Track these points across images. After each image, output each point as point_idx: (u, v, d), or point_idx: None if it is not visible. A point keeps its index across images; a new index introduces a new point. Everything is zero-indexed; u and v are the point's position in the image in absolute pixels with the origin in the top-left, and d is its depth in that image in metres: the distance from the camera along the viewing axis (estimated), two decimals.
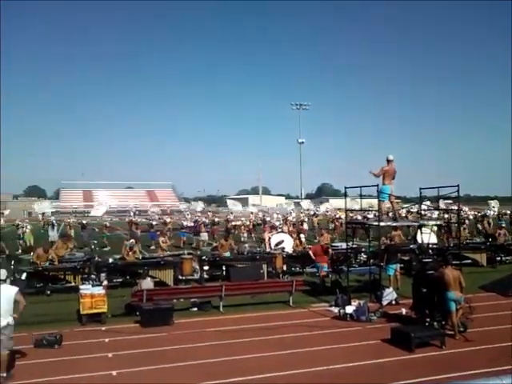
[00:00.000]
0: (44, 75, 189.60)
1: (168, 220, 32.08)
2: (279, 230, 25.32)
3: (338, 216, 36.20)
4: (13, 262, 15.15)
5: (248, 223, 32.61)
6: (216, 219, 34.70)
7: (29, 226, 27.45)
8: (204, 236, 27.19)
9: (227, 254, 17.34)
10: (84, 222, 26.49)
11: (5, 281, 8.30)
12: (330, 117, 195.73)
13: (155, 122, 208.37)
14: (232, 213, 40.07)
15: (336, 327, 10.57)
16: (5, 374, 7.70)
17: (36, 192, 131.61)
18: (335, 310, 11.80)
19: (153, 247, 23.84)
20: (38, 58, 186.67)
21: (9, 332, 7.79)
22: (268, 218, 37.23)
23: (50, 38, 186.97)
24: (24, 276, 14.26)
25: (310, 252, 15.86)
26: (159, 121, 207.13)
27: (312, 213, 40.00)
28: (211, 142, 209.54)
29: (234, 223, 32.64)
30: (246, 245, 20.99)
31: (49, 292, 14.39)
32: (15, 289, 8.16)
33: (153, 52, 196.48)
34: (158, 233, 22.96)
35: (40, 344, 9.25)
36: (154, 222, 33.27)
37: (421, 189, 14.13)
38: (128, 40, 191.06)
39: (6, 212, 32.50)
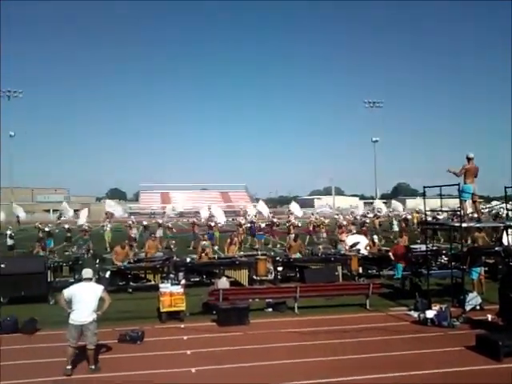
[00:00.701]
0: (122, 77, 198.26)
1: (243, 221, 32.24)
2: (354, 231, 24.78)
3: (404, 217, 34.92)
4: (97, 260, 15.96)
5: (325, 222, 32.02)
6: (275, 220, 34.00)
7: (108, 226, 29.26)
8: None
9: (297, 255, 17.27)
10: (145, 223, 27.66)
11: (91, 279, 8.72)
12: (405, 114, 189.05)
13: (230, 124, 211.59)
14: (292, 214, 39.32)
15: (416, 332, 10.17)
16: (93, 367, 8.15)
17: (117, 194, 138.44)
18: (415, 314, 11.35)
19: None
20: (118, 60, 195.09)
21: (93, 328, 8.23)
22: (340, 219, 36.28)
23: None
24: (108, 274, 14.99)
25: (390, 253, 15.42)
26: (234, 122, 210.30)
27: (373, 214, 38.02)
28: (285, 142, 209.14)
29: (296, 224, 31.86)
30: (320, 246, 20.78)
31: (131, 290, 15.04)
32: (101, 287, 8.60)
33: (228, 52, 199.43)
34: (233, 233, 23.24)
35: (123, 339, 9.68)
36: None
37: (506, 187, 13.28)
38: (195, 41, 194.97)
39: (83, 213, 34.42)
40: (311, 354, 8.81)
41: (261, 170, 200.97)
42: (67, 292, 8.24)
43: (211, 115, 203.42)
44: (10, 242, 23.58)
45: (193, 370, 8.12)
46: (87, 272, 8.68)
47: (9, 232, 24.51)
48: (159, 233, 25.96)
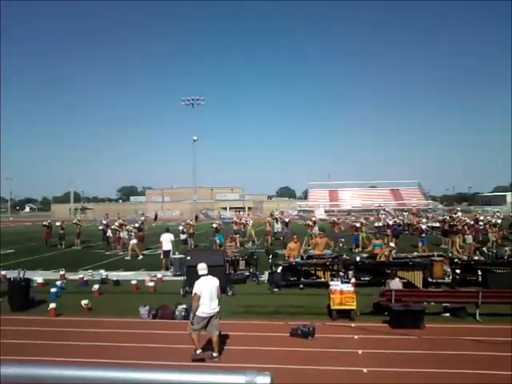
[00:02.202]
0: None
1: (415, 221, 30.50)
2: None
3: None
4: (271, 256, 16.67)
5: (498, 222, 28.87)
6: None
7: (251, 221, 31.11)
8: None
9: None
10: (286, 220, 28.49)
11: (206, 275, 9.00)
12: None
13: (402, 120, 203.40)
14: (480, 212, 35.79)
15: None
16: (215, 354, 8.52)
17: (287, 192, 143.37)
18: None
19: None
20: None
21: (217, 316, 8.70)
22: None
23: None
24: (279, 269, 15.57)
25: None
26: (403, 118, 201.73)
27: None
28: (460, 135, 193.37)
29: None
30: (507, 248, 18.73)
31: (301, 286, 15.40)
32: (217, 280, 9.03)
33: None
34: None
35: (295, 333, 9.93)
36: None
37: None
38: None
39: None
40: (492, 366, 7.99)
41: (434, 167, 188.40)
42: (196, 289, 8.70)
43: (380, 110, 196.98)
44: (182, 236, 25.87)
45: (364, 370, 7.99)
46: (202, 267, 9.09)
47: (180, 227, 27.09)
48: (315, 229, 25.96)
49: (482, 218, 30.89)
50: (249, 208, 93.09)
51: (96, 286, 14.85)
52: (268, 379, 1.56)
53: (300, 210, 73.46)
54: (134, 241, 24.06)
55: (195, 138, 79.14)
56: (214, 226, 27.92)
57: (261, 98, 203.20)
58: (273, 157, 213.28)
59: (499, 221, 27.98)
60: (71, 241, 29.84)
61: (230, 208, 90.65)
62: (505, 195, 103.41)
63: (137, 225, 27.62)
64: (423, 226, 25.29)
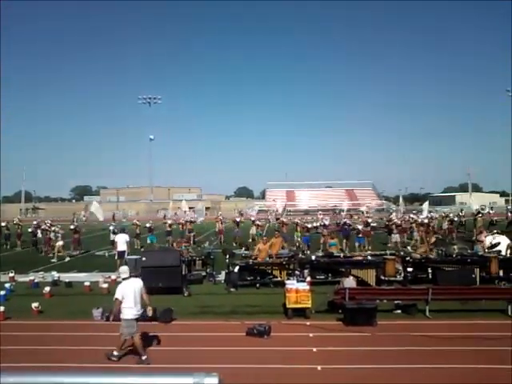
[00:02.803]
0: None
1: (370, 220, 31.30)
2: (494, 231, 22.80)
3: None
4: (228, 256, 16.65)
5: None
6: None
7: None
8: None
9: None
10: (238, 219, 29.65)
11: (128, 278, 8.97)
12: None
13: (355, 120, 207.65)
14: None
15: None
16: (145, 357, 8.39)
17: (245, 193, 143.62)
18: None
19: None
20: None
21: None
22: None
23: None
24: (236, 269, 15.57)
25: None
26: (359, 119, 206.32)
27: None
28: (413, 134, 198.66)
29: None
30: (455, 246, 19.43)
31: (258, 285, 15.45)
32: (141, 282, 9.02)
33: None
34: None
35: (251, 333, 9.95)
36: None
37: None
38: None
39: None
40: (443, 360, 8.29)
41: (388, 167, 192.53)
42: (118, 293, 8.65)
43: (336, 113, 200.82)
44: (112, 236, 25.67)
45: (319, 367, 8.10)
46: (124, 271, 9.10)
47: (112, 228, 26.96)
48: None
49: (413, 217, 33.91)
50: (207, 208, 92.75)
51: (47, 289, 14.40)
52: (216, 380, 1.56)
53: (259, 210, 73.73)
54: (61, 242, 24.03)
55: (152, 136, 78.35)
56: (148, 225, 28.18)
57: (224, 98, 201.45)
58: (231, 157, 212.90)
59: (426, 220, 30.08)
60: (15, 242, 29.19)
61: (189, 208, 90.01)
62: (454, 196, 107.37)
63: (72, 226, 27.46)
64: (359, 227, 26.00)
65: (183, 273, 15.32)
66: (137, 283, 8.88)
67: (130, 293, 8.60)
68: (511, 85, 76.98)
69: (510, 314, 11.28)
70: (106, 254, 24.40)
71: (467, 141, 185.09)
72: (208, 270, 17.21)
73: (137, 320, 8.63)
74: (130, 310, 8.53)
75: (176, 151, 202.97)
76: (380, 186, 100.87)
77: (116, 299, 8.61)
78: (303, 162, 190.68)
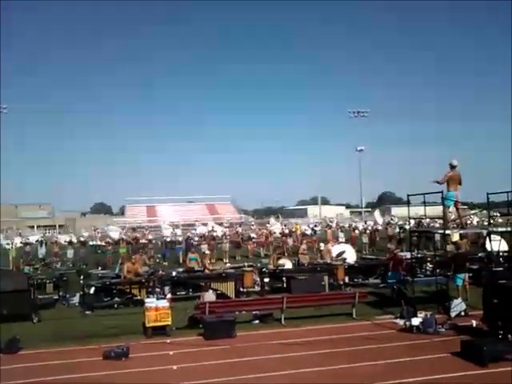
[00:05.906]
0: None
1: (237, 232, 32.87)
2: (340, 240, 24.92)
3: (375, 228, 35.85)
4: (82, 276, 15.79)
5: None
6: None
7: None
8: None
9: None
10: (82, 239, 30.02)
11: None
12: (391, 123, 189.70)
13: (212, 137, 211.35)
14: (270, 225, 40.66)
15: (402, 340, 10.19)
16: None
17: (103, 209, 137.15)
18: (400, 322, 11.39)
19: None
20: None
21: None
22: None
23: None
24: (92, 290, 14.82)
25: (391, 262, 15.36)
26: (217, 136, 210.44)
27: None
28: (268, 153, 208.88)
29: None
30: (306, 256, 20.80)
31: (116, 306, 14.86)
32: None
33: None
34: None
35: (108, 356, 9.52)
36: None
37: (488, 194, 13.45)
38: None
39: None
40: (299, 365, 8.78)
41: (246, 182, 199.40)
42: None
43: (195, 130, 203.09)
44: None
45: None
46: None
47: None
48: None
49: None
50: (60, 226, 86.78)
51: None
52: None
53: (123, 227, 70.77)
54: None
55: None
56: None
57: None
58: (85, 172, 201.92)
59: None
60: None
61: (38, 226, 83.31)
62: (306, 208, 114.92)
63: None
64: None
65: (32, 297, 14.15)
66: None
67: None
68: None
69: (354, 316, 12.37)
70: None
71: (317, 161, 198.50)
72: (61, 293, 16.11)
73: None
74: None
75: (24, 166, 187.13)
76: (240, 201, 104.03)
77: None
78: (162, 178, 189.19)
